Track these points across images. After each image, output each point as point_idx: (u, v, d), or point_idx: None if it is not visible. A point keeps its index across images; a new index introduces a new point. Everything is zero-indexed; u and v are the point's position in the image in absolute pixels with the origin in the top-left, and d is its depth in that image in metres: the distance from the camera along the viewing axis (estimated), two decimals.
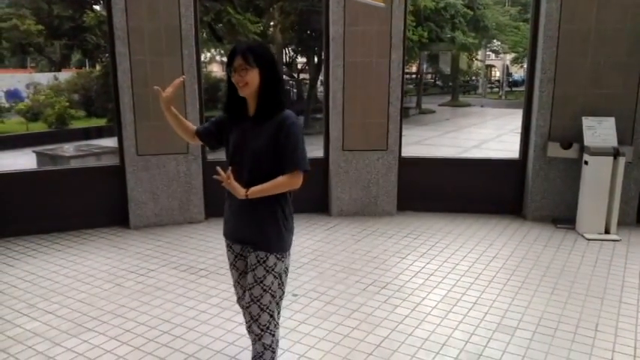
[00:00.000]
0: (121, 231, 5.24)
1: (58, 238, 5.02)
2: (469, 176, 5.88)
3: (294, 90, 25.80)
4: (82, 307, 3.61)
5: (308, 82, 21.51)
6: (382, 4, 3.97)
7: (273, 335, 2.39)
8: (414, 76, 25.36)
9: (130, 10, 4.96)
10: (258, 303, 2.32)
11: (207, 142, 2.57)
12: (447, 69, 26.03)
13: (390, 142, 5.63)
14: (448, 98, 28.80)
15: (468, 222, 5.55)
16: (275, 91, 2.24)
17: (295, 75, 25.61)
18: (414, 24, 17.85)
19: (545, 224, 5.46)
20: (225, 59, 22.63)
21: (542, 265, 4.39)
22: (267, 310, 2.34)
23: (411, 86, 25.47)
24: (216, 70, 30.34)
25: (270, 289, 2.33)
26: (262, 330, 2.35)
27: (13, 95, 18.83)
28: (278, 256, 2.33)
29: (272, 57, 2.29)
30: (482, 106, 26.64)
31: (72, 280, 4.07)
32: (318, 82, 20.73)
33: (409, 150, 5.95)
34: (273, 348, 2.40)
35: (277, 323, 2.43)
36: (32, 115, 15.06)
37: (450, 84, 30.06)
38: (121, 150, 5.24)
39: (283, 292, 2.46)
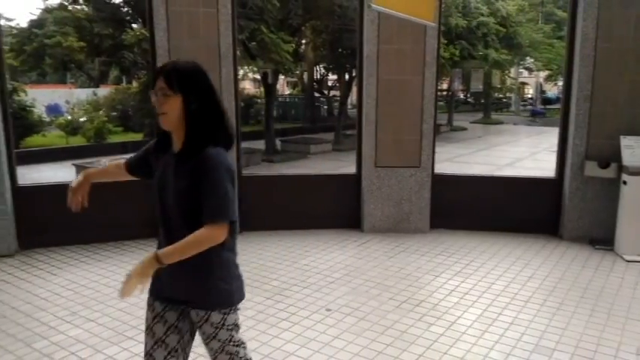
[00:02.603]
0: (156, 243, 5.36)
1: (98, 248, 5.18)
2: (504, 194, 5.82)
3: (325, 107, 26.09)
4: (123, 316, 3.71)
5: (339, 99, 21.68)
6: (432, 23, 4.05)
7: None
8: (445, 93, 25.27)
9: (172, 29, 5.15)
10: None
11: (140, 173, 2.14)
12: (478, 86, 25.91)
13: (423, 159, 5.64)
14: (480, 116, 28.57)
15: (503, 241, 5.48)
16: (205, 124, 1.85)
17: (326, 92, 25.88)
18: (446, 42, 17.88)
19: (583, 245, 5.34)
20: (258, 77, 23.10)
21: (580, 286, 4.30)
22: None
23: (442, 103, 25.40)
24: (249, 87, 30.98)
25: (230, 353, 1.99)
26: None
27: (53, 110, 19.60)
28: (223, 311, 1.95)
29: (204, 82, 1.87)
30: (515, 124, 26.31)
31: (112, 289, 4.19)
32: (349, 99, 20.90)
33: (440, 167, 5.95)
34: None
35: None
36: (72, 129, 15.62)
37: (482, 101, 29.84)
38: None
39: (240, 350, 2.03)
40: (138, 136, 16.02)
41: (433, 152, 5.72)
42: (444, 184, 5.79)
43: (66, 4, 15.16)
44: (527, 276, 4.53)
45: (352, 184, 5.85)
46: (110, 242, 5.32)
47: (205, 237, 1.80)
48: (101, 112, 15.61)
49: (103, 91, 20.56)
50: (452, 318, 3.73)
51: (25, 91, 15.32)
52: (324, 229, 5.78)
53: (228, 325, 1.96)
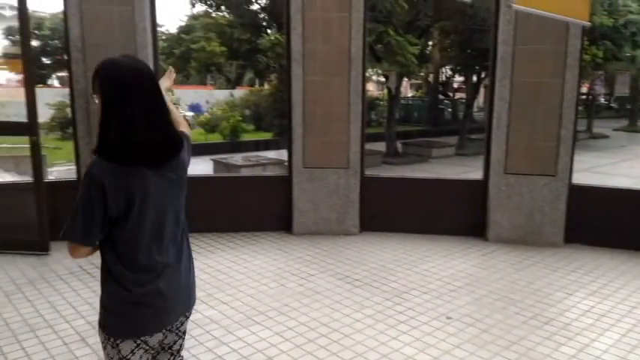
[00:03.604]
0: (285, 236, 5.67)
1: (232, 237, 5.59)
2: None
3: (449, 110, 25.37)
4: (252, 302, 3.99)
5: (464, 101, 20.98)
6: (587, 22, 3.80)
7: None
8: (585, 97, 23.20)
9: (307, 34, 5.39)
10: None
11: None
12: (624, 91, 23.49)
13: (560, 168, 5.27)
14: (625, 123, 25.81)
15: None
16: (101, 130, 1.68)
17: (451, 94, 25.17)
18: (588, 42, 16.40)
19: None
20: (382, 79, 23.12)
21: None
22: None
23: (581, 108, 23.33)
24: (372, 90, 31.22)
25: None
26: None
27: (195, 109, 21.48)
28: (104, 334, 1.80)
29: (112, 86, 1.67)
30: None
31: (243, 276, 4.52)
32: (475, 102, 20.09)
33: (577, 177, 5.49)
34: None
35: None
36: (210, 127, 16.99)
37: (628, 107, 26.92)
38: (289, 162, 5.69)
39: None
40: (268, 135, 16.96)
41: (571, 161, 5.31)
42: (582, 196, 5.35)
43: (210, 11, 16.51)
44: None
45: (478, 190, 5.65)
46: (242, 232, 5.71)
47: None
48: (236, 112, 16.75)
49: (239, 93, 22.05)
50: (585, 340, 3.45)
51: (172, 91, 16.98)
52: (445, 235, 5.65)
53: (107, 352, 1.81)
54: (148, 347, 1.82)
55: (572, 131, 5.26)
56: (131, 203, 1.68)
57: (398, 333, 3.53)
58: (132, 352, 1.78)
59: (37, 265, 4.71)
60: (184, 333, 2.01)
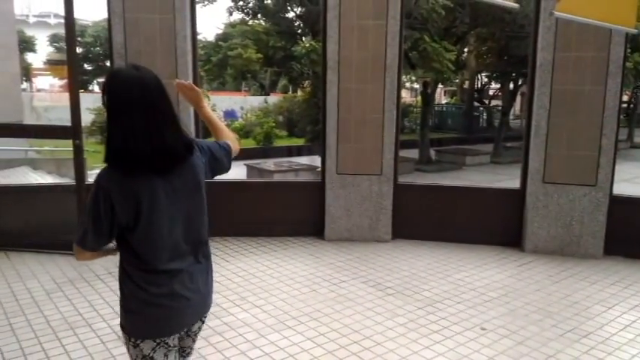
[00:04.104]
0: (317, 241, 5.68)
1: (265, 241, 5.64)
2: None
3: (484, 117, 24.96)
4: (284, 306, 4.02)
5: (500, 109, 20.63)
6: (634, 29, 3.69)
7: None
8: (626, 105, 22.46)
9: (343, 41, 5.41)
10: None
11: None
12: None
13: (600, 178, 5.12)
14: None
15: None
16: (107, 141, 1.72)
17: (486, 102, 24.77)
18: (630, 50, 15.90)
19: None
20: (416, 86, 22.97)
21: None
22: None
23: (621, 117, 22.56)
24: (404, 96, 31.05)
25: None
26: None
27: (230, 115, 21.81)
28: (124, 335, 1.86)
29: (112, 98, 1.71)
30: None
31: (276, 280, 4.55)
32: (512, 110, 19.72)
33: (616, 188, 5.32)
34: None
35: None
36: (244, 132, 17.26)
37: None
38: (323, 168, 5.71)
39: None
40: (300, 141, 17.08)
41: (613, 171, 5.16)
42: (623, 207, 5.19)
43: (247, 19, 16.80)
44: None
45: (515, 199, 5.54)
46: (275, 237, 5.74)
47: None
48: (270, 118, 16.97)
49: (273, 99, 22.31)
50: (625, 356, 3.34)
51: (208, 97, 17.36)
52: (480, 244, 5.55)
53: (130, 353, 1.87)
54: (168, 346, 1.85)
55: (614, 141, 5.11)
56: (139, 210, 1.71)
57: (431, 342, 3.49)
58: (153, 349, 1.82)
59: (77, 265, 4.85)
60: (196, 335, 2.06)
